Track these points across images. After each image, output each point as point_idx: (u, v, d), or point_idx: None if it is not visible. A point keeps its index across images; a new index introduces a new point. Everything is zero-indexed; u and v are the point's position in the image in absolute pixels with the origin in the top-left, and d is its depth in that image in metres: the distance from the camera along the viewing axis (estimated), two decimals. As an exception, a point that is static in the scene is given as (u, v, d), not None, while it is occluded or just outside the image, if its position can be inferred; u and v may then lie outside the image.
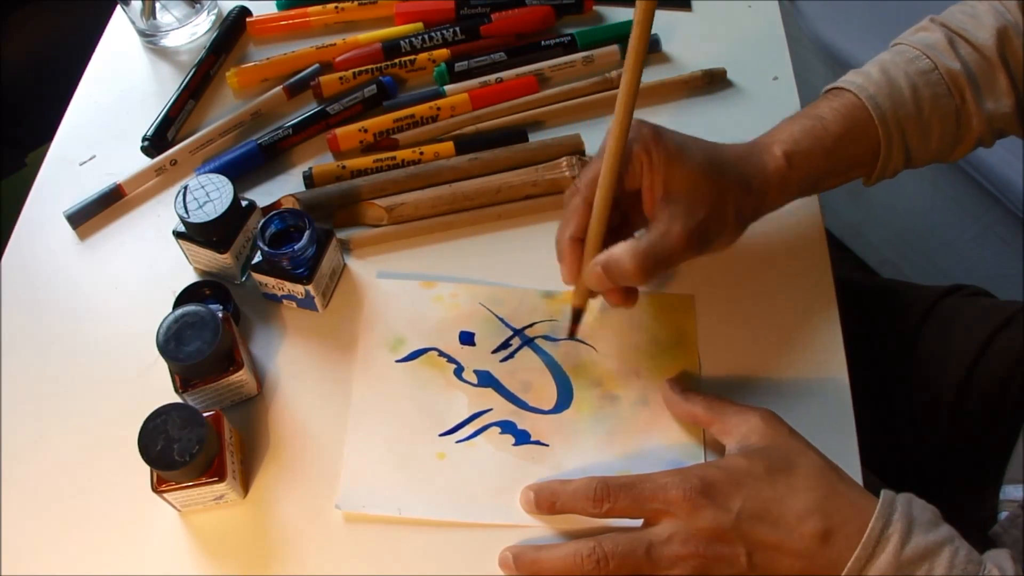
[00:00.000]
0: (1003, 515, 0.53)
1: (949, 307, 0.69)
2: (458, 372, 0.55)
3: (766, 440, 0.47)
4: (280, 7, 0.74)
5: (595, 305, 0.57)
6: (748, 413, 0.49)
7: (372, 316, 0.57)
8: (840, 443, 0.51)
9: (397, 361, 0.56)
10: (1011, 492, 0.54)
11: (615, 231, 0.52)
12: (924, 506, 0.45)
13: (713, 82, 0.69)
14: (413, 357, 0.56)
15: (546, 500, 0.49)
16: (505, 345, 0.56)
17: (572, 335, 0.55)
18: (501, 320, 0.57)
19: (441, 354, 0.56)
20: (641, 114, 0.67)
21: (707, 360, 0.55)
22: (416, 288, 0.59)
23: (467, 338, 0.57)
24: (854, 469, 0.50)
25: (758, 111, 0.67)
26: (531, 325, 0.57)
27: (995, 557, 0.44)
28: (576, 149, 0.64)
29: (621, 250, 0.50)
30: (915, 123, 0.55)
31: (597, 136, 0.65)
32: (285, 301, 0.58)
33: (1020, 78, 0.56)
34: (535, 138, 0.66)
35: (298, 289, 0.55)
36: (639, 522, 0.47)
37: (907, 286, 0.73)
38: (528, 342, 0.56)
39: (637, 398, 0.54)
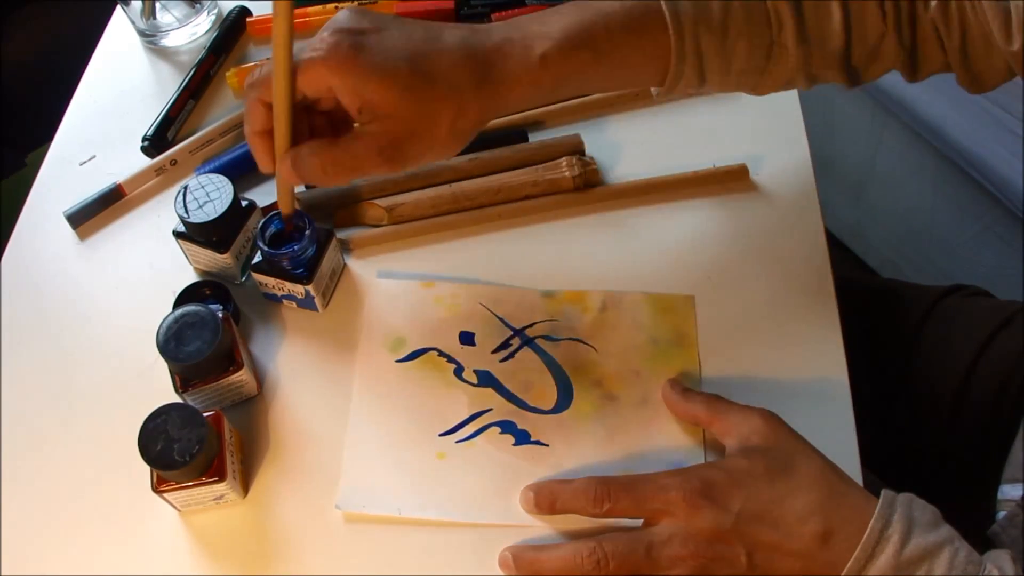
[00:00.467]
0: (1001, 514, 0.53)
1: (949, 307, 0.69)
2: (458, 372, 0.55)
3: (767, 440, 0.47)
4: (280, 7, 0.74)
5: (595, 305, 0.57)
6: (749, 413, 0.49)
7: (372, 316, 0.57)
8: (840, 443, 0.51)
9: (397, 361, 0.56)
10: (1009, 491, 0.54)
11: (331, 114, 0.49)
12: (924, 506, 0.45)
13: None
14: (413, 357, 0.56)
15: (546, 500, 0.49)
16: (505, 345, 0.56)
17: (287, 224, 0.53)
18: (501, 320, 0.57)
19: (441, 354, 0.56)
20: (641, 114, 0.67)
21: (707, 360, 0.56)
22: (416, 288, 0.59)
23: (467, 338, 0.57)
24: (854, 469, 0.50)
25: (757, 111, 0.67)
26: (531, 325, 0.57)
27: (995, 558, 0.44)
28: (576, 149, 0.64)
29: (308, 148, 0.47)
30: (717, 41, 0.49)
31: (597, 136, 0.66)
32: (285, 301, 0.58)
33: (857, 21, 0.49)
34: (535, 138, 0.66)
35: (298, 289, 0.55)
36: (639, 522, 0.47)
37: (907, 286, 0.73)
38: (528, 342, 0.57)
39: (637, 398, 0.54)
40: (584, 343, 0.56)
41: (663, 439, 0.53)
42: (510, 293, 0.58)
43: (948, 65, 0.52)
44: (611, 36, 0.48)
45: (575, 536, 0.48)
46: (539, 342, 0.56)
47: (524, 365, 0.56)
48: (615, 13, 0.48)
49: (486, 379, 0.55)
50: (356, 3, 0.73)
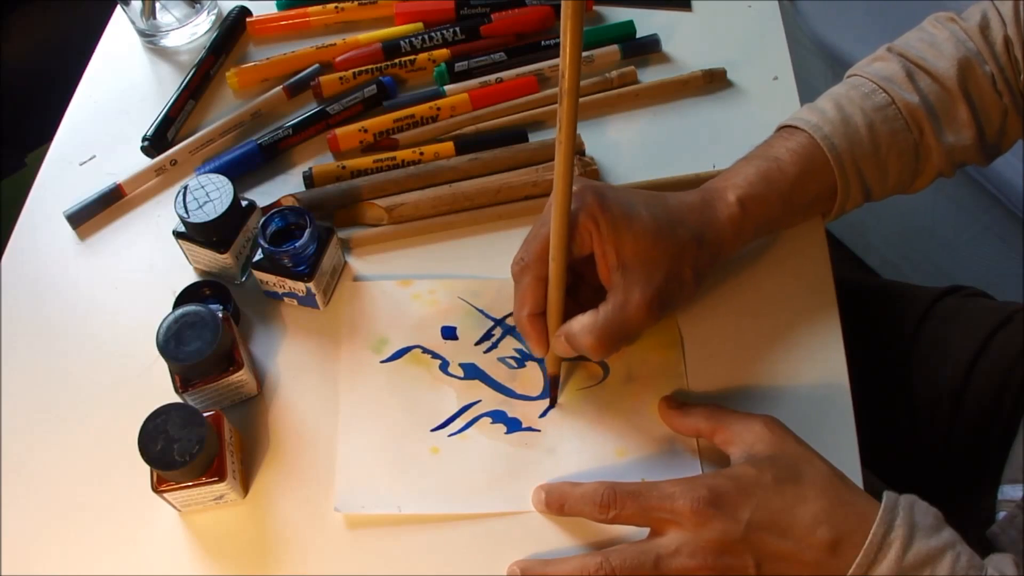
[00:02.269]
0: (1001, 515, 0.53)
1: (948, 307, 0.69)
2: (443, 367, 0.56)
3: (772, 448, 0.47)
4: (280, 7, 0.74)
5: None
6: (751, 421, 0.49)
7: (353, 319, 0.57)
8: (840, 443, 0.51)
9: (382, 362, 0.56)
10: (1009, 492, 0.54)
11: (570, 290, 0.51)
12: (927, 509, 0.45)
13: (713, 82, 0.69)
14: (397, 356, 0.56)
15: (555, 502, 0.49)
16: (487, 336, 0.57)
17: (553, 404, 0.54)
18: (481, 312, 0.58)
19: (425, 351, 0.56)
20: (641, 114, 0.67)
21: (707, 360, 0.55)
22: (394, 288, 0.59)
23: (449, 332, 0.57)
24: (854, 469, 0.50)
25: (758, 111, 0.67)
26: (511, 314, 0.57)
27: (996, 562, 0.44)
28: (576, 149, 0.64)
29: (580, 326, 0.49)
30: (872, 161, 0.55)
31: (597, 136, 0.66)
32: (286, 299, 0.58)
33: (982, 109, 0.55)
34: (535, 138, 0.66)
35: (299, 287, 0.55)
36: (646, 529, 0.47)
37: (907, 286, 0.73)
38: (510, 331, 0.57)
39: (622, 375, 0.55)
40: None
41: (651, 414, 0.53)
42: (487, 285, 0.59)
43: None
44: (787, 178, 0.54)
45: (580, 531, 0.49)
46: None
47: (508, 354, 0.56)
48: (785, 157, 0.54)
49: (472, 371, 0.55)
50: (356, 3, 0.73)
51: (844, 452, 0.51)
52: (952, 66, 0.55)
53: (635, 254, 0.49)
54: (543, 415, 0.54)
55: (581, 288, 0.52)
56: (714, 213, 0.52)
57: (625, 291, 0.49)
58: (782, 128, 0.57)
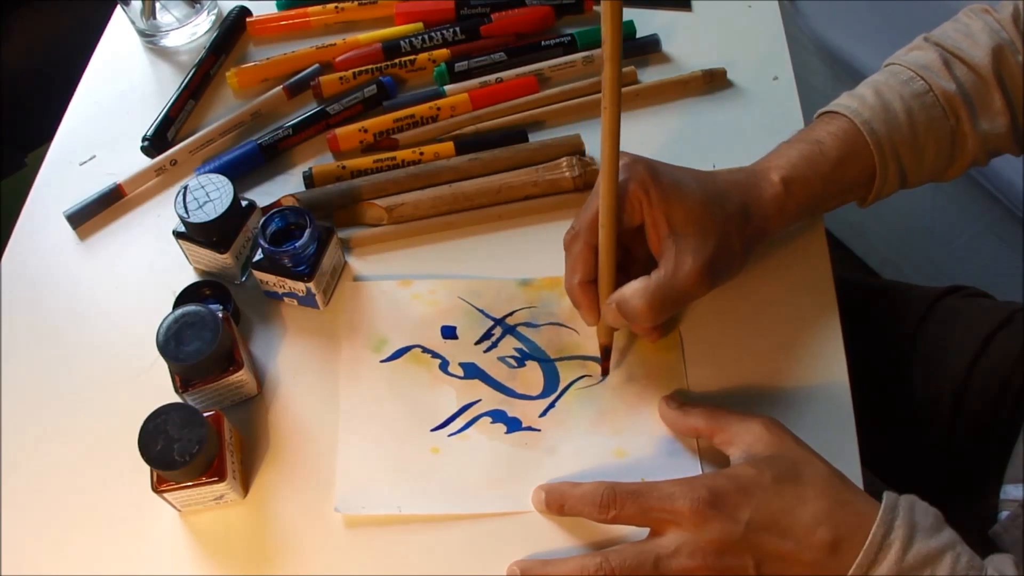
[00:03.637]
0: (1003, 515, 0.53)
1: (948, 308, 0.69)
2: (443, 366, 0.56)
3: (771, 448, 0.47)
4: (280, 7, 0.74)
5: None
6: (750, 422, 0.49)
7: (353, 319, 0.57)
8: (840, 443, 0.51)
9: (382, 361, 0.56)
10: (1011, 492, 0.54)
11: (620, 266, 0.52)
12: (927, 510, 0.45)
13: (713, 82, 0.69)
14: (397, 356, 0.56)
15: (555, 502, 0.49)
16: (487, 335, 0.57)
17: (605, 373, 0.55)
18: (481, 311, 0.58)
19: (425, 350, 0.56)
20: (642, 114, 0.67)
21: (707, 360, 0.55)
22: (394, 287, 0.59)
23: (449, 332, 0.57)
24: (854, 469, 0.50)
25: (758, 111, 0.67)
26: (511, 313, 0.57)
27: (997, 562, 0.44)
28: (576, 149, 0.64)
29: (632, 291, 0.50)
30: (910, 147, 0.55)
31: (597, 136, 0.65)
32: (286, 299, 0.58)
33: (1016, 96, 0.56)
34: (535, 138, 0.66)
35: (299, 287, 0.55)
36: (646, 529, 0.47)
37: (907, 286, 0.73)
38: (510, 330, 0.57)
39: (623, 376, 0.55)
40: (565, 326, 0.57)
41: (651, 414, 0.53)
42: (487, 285, 0.59)
43: None
44: (829, 160, 0.54)
45: (580, 531, 0.49)
46: (521, 329, 0.57)
47: (508, 353, 0.56)
48: (826, 140, 0.55)
49: (472, 371, 0.55)
50: (356, 3, 0.73)
51: (844, 452, 0.51)
52: (987, 55, 0.55)
53: (687, 221, 0.50)
54: (543, 415, 0.54)
55: (630, 264, 0.53)
56: (759, 191, 0.53)
57: (677, 256, 0.49)
58: (822, 114, 0.58)
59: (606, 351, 0.54)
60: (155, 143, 0.66)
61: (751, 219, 0.53)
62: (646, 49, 0.71)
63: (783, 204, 0.54)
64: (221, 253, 0.56)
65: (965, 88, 0.56)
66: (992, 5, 0.59)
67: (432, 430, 0.53)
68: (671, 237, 0.50)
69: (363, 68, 0.69)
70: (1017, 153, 0.59)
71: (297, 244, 0.53)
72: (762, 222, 0.53)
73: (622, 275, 0.51)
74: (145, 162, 0.65)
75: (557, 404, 0.54)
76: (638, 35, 0.72)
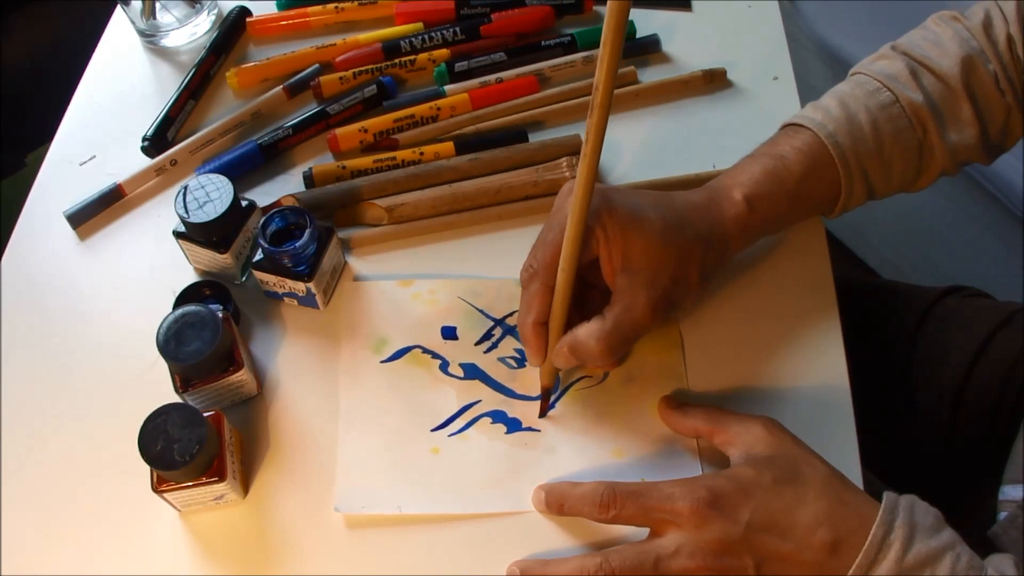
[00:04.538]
0: (1002, 515, 0.53)
1: (948, 308, 0.69)
2: (443, 367, 0.56)
3: (771, 449, 0.47)
4: (280, 7, 0.74)
5: None
6: (750, 422, 0.49)
7: (353, 319, 0.57)
8: (840, 443, 0.51)
9: (382, 362, 0.56)
10: (1010, 492, 0.54)
11: (578, 298, 0.51)
12: (927, 510, 0.45)
13: (713, 82, 0.69)
14: (397, 356, 0.56)
15: (555, 502, 0.49)
16: (487, 336, 0.57)
17: (542, 415, 0.54)
18: (481, 312, 0.58)
19: (425, 351, 0.56)
20: (642, 114, 0.67)
21: (707, 361, 0.55)
22: (394, 288, 0.59)
23: (449, 332, 0.57)
24: (854, 470, 0.50)
25: (758, 111, 0.67)
26: (511, 314, 0.57)
27: (997, 563, 0.44)
28: (576, 149, 0.64)
29: (586, 333, 0.49)
30: (876, 160, 0.55)
31: (597, 136, 0.66)
32: (286, 299, 0.58)
33: (985, 107, 0.55)
34: (535, 138, 0.66)
35: (299, 287, 0.55)
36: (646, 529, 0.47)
37: (907, 286, 0.73)
38: (510, 331, 0.57)
39: (622, 376, 0.55)
40: None
41: (651, 415, 0.53)
42: (487, 285, 0.59)
43: None
44: (793, 176, 0.54)
45: (580, 531, 0.49)
46: None
47: (508, 354, 0.56)
48: (790, 155, 0.54)
49: (472, 371, 0.55)
50: (356, 3, 0.73)
51: (844, 452, 0.51)
52: (955, 64, 0.55)
53: (643, 256, 0.49)
54: (543, 415, 0.54)
55: (586, 292, 0.52)
56: (720, 212, 0.52)
57: (631, 294, 0.49)
58: (786, 126, 0.57)
59: (547, 393, 0.53)
60: (155, 143, 0.66)
61: (712, 245, 0.52)
62: (646, 49, 0.71)
63: (746, 223, 0.53)
64: (221, 253, 0.56)
65: (933, 99, 0.55)
66: (960, 13, 0.58)
67: (432, 430, 0.53)
68: (625, 273, 0.49)
69: (363, 68, 0.69)
70: (986, 162, 0.58)
71: (297, 244, 0.53)
72: (723, 244, 0.53)
73: (576, 308, 0.50)
74: (145, 162, 0.65)
75: (557, 405, 0.54)
76: (638, 35, 0.72)
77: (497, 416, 0.54)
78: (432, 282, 0.59)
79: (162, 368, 0.52)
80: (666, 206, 0.51)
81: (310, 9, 0.73)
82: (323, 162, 0.65)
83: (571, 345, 0.49)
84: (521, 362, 0.56)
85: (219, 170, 0.63)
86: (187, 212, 0.54)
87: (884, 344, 0.69)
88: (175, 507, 0.50)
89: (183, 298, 0.57)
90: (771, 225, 0.55)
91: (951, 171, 0.58)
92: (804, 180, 0.54)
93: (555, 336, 0.50)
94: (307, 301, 0.57)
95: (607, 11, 0.40)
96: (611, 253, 0.49)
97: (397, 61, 0.70)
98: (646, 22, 0.72)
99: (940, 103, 0.55)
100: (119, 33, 0.74)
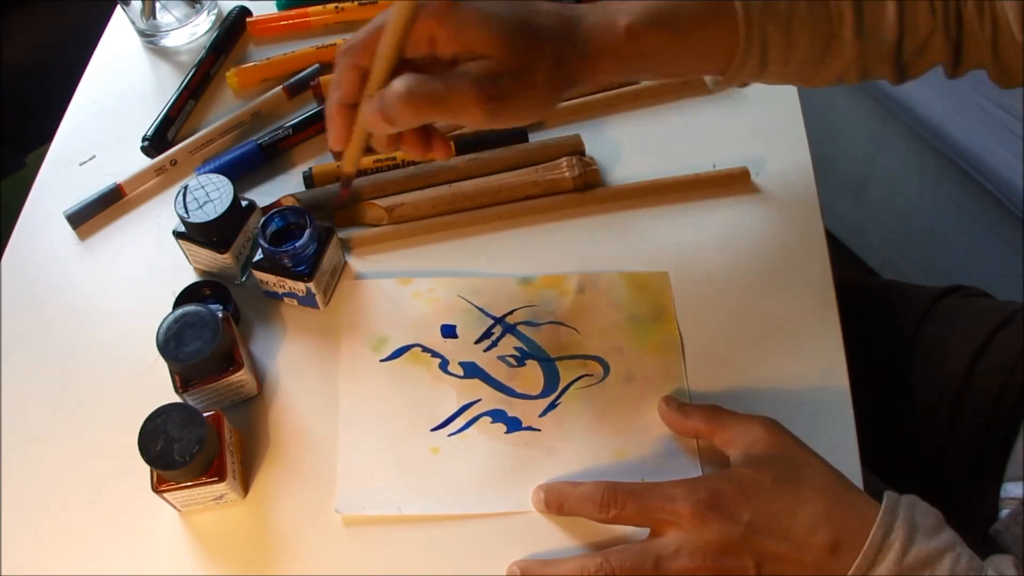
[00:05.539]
0: (1004, 513, 0.53)
1: (948, 307, 0.69)
2: (443, 366, 0.55)
3: (771, 450, 0.47)
4: (280, 7, 0.74)
5: (572, 287, 0.58)
6: (749, 423, 0.49)
7: (352, 318, 0.57)
8: (840, 443, 0.51)
9: (381, 361, 0.56)
10: (1011, 490, 0.54)
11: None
12: (927, 510, 0.45)
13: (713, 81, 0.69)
14: (397, 355, 0.56)
15: (555, 501, 0.49)
16: (487, 334, 0.57)
17: (340, 204, 0.49)
18: (481, 310, 0.58)
19: (425, 349, 0.56)
20: (641, 114, 0.67)
21: (707, 360, 0.55)
22: (394, 286, 0.59)
23: (449, 331, 0.57)
24: (854, 470, 0.50)
25: (758, 111, 0.67)
26: (511, 312, 0.57)
27: (997, 563, 0.44)
28: (576, 149, 0.64)
29: (401, 81, 0.44)
30: (781, 33, 0.50)
31: (597, 136, 0.66)
32: (286, 299, 0.58)
33: (910, 17, 0.51)
34: (535, 138, 0.66)
35: (299, 287, 0.55)
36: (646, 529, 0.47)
37: (907, 286, 0.73)
38: (510, 329, 0.57)
39: (623, 375, 0.55)
40: (565, 325, 0.57)
41: (651, 414, 0.53)
42: (487, 283, 0.59)
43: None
44: (689, 18, 0.49)
45: (580, 531, 0.49)
46: (521, 328, 0.57)
47: (508, 352, 0.56)
48: None
49: (472, 370, 0.55)
50: (356, 3, 0.73)
51: (844, 452, 0.51)
52: None
53: (479, 45, 0.45)
54: (543, 414, 0.54)
55: None
56: (597, 30, 0.48)
57: (462, 73, 0.45)
58: None
59: (348, 181, 0.51)
60: (155, 143, 0.66)
61: (572, 57, 0.47)
62: (646, 49, 0.71)
63: (620, 52, 0.48)
64: (221, 253, 0.56)
65: None
66: None
67: (432, 430, 0.53)
68: (464, 58, 0.45)
69: (363, 68, 0.69)
70: (893, 80, 0.55)
71: (297, 244, 0.53)
72: (588, 63, 0.48)
73: None
74: (145, 162, 0.65)
75: (557, 404, 0.54)
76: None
77: (497, 415, 0.54)
78: (432, 280, 0.59)
79: (162, 368, 0.52)
80: (526, 8, 0.47)
81: (310, 9, 0.73)
82: (323, 162, 0.65)
83: (384, 95, 0.45)
84: (521, 360, 0.56)
85: (219, 170, 0.63)
86: (187, 212, 0.54)
87: (884, 344, 0.69)
88: (175, 507, 0.50)
89: (183, 298, 0.57)
90: (649, 64, 0.50)
91: (851, 77, 0.54)
92: (699, 27, 0.50)
93: (374, 86, 0.46)
94: (307, 301, 0.57)
95: None
96: (453, 47, 0.45)
97: (397, 61, 0.69)
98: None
99: None
100: (119, 33, 0.74)
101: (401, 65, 0.46)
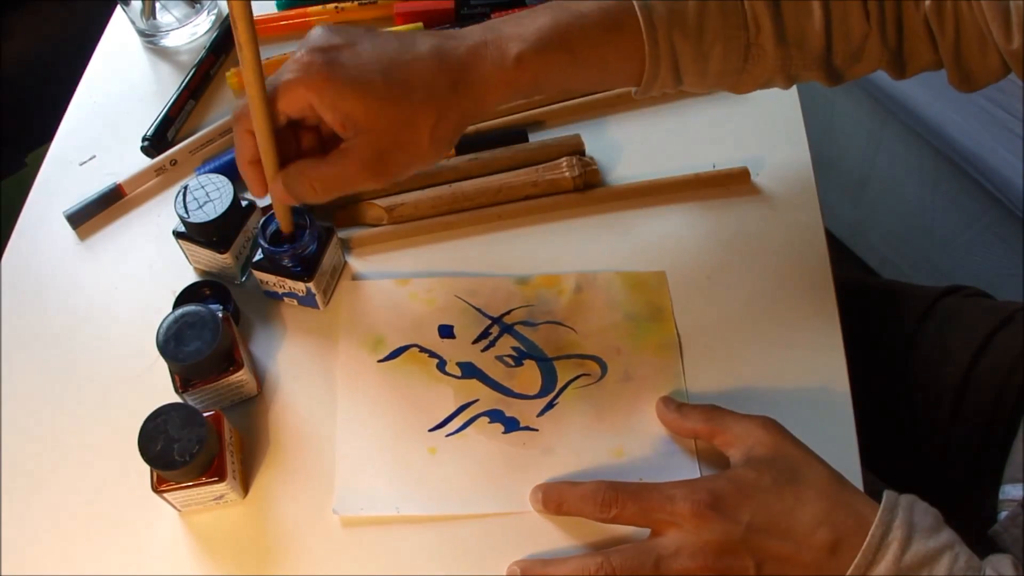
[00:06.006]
0: (1003, 514, 0.53)
1: (948, 307, 0.69)
2: (441, 366, 0.55)
3: (771, 450, 0.47)
4: (280, 7, 0.74)
5: (569, 287, 0.58)
6: (749, 423, 0.49)
7: (350, 319, 0.57)
8: (840, 443, 0.51)
9: (379, 361, 0.56)
10: (1011, 491, 0.54)
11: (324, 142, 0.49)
12: (926, 510, 0.45)
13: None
14: (395, 356, 0.56)
15: (554, 501, 0.49)
16: (485, 334, 0.57)
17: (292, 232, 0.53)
18: (478, 310, 0.58)
19: (422, 350, 0.56)
20: (641, 114, 0.67)
21: (705, 360, 0.55)
22: (391, 286, 0.59)
23: (446, 331, 0.57)
24: (854, 470, 0.50)
25: (758, 111, 0.67)
26: (508, 312, 0.57)
27: (995, 563, 0.44)
28: (576, 149, 0.64)
29: (296, 170, 0.48)
30: (692, 46, 0.49)
31: (597, 136, 0.66)
32: (286, 299, 0.58)
33: (839, 23, 0.49)
34: (535, 138, 0.66)
35: (299, 287, 0.55)
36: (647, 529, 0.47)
37: (907, 286, 0.73)
38: (507, 329, 0.57)
39: (620, 374, 0.55)
40: (562, 325, 0.57)
41: (649, 414, 0.53)
42: (484, 283, 0.59)
43: (937, 63, 0.51)
44: (586, 37, 0.48)
45: (577, 531, 0.49)
46: (518, 328, 0.57)
47: (506, 352, 0.56)
48: (590, 14, 0.48)
49: (470, 370, 0.55)
50: (356, 3, 0.73)
51: (844, 452, 0.51)
52: None
53: (360, 119, 0.46)
54: (541, 414, 0.54)
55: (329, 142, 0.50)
56: (484, 64, 0.47)
57: (346, 146, 0.47)
58: None
59: (289, 236, 0.54)
60: (155, 143, 0.66)
61: (456, 104, 0.47)
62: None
63: (511, 81, 0.47)
64: (221, 253, 0.56)
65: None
66: None
67: (430, 430, 0.53)
68: (343, 128, 0.47)
69: (363, 68, 0.69)
70: (826, 83, 0.53)
71: (297, 244, 0.53)
72: (475, 102, 0.48)
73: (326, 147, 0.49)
74: (145, 162, 0.65)
75: (555, 404, 0.54)
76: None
77: (495, 415, 0.54)
78: (429, 281, 0.59)
79: (162, 368, 0.52)
80: (400, 64, 0.47)
81: (310, 9, 0.73)
82: (323, 162, 0.65)
83: (284, 179, 0.48)
84: (519, 360, 0.56)
85: (219, 170, 0.63)
86: (187, 212, 0.54)
87: (884, 344, 0.69)
88: (175, 507, 0.50)
89: (183, 298, 0.57)
90: (546, 87, 0.50)
91: (780, 83, 0.52)
92: (599, 45, 0.48)
93: (269, 173, 0.49)
94: (307, 301, 0.57)
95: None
96: (329, 113, 0.46)
97: (397, 61, 0.69)
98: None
99: (785, 2, 0.49)
100: (119, 33, 0.74)
101: (299, 131, 0.49)
